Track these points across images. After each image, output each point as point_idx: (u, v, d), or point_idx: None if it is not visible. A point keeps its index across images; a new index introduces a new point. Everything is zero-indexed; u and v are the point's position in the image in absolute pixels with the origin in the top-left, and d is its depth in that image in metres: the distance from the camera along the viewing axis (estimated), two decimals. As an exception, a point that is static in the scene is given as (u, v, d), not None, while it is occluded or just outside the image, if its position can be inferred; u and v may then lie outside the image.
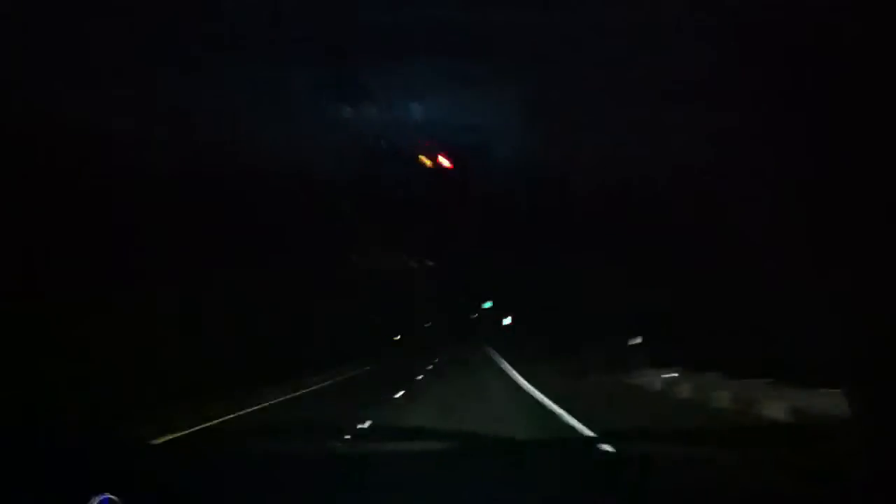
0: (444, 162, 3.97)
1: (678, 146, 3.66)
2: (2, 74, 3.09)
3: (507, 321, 63.40)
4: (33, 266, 10.24)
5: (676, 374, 11.46)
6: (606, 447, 2.32)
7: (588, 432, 7.22)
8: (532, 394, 11.76)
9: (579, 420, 7.68)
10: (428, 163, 3.99)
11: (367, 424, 10.31)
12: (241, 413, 12.91)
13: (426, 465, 2.17)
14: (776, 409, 6.76)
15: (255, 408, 13.56)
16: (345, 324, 32.71)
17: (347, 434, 2.47)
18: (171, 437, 9.92)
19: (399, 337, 44.50)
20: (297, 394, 15.82)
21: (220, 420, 12.20)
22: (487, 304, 67.09)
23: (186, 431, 11.08)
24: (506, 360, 25.15)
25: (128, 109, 3.54)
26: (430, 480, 2.06)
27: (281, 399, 14.45)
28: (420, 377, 16.66)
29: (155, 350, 14.68)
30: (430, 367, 21.54)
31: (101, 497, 2.06)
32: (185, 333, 16.13)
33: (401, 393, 12.22)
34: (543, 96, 3.33)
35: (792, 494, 1.89)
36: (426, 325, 61.93)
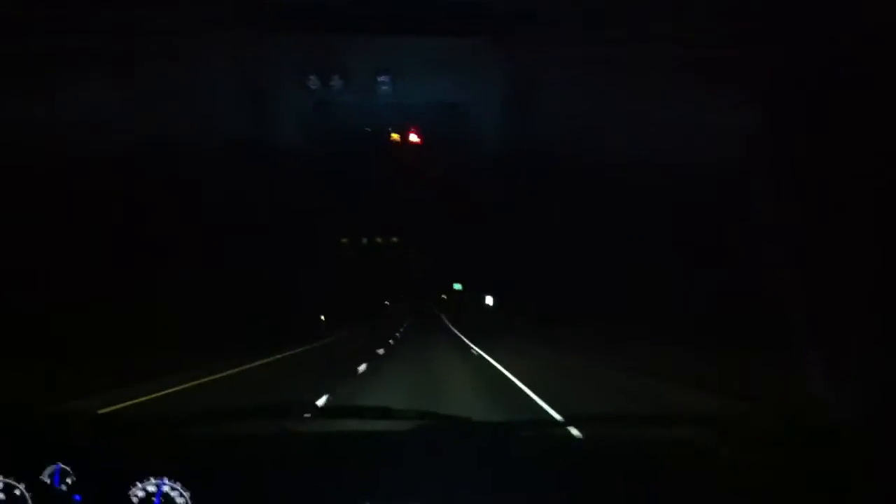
0: (414, 138, 3.93)
1: (666, 128, 3.68)
2: None
3: (488, 300, 63.90)
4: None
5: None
6: (574, 430, 2.35)
7: (556, 416, 7.40)
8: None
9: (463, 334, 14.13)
10: (396, 138, 3.94)
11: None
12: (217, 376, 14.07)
13: (385, 445, 2.17)
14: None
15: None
16: (323, 299, 33.70)
17: (306, 412, 2.47)
18: (121, 406, 9.93)
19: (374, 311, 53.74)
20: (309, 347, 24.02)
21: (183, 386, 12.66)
22: (457, 286, 67.30)
23: (143, 399, 11.20)
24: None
25: (81, 86, 3.44)
26: (390, 461, 2.07)
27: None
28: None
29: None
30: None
31: (55, 467, 2.05)
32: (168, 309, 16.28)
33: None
34: (523, 72, 3.31)
35: (750, 474, 1.93)
36: (390, 304, 63.98)
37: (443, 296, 75.38)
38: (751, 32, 2.69)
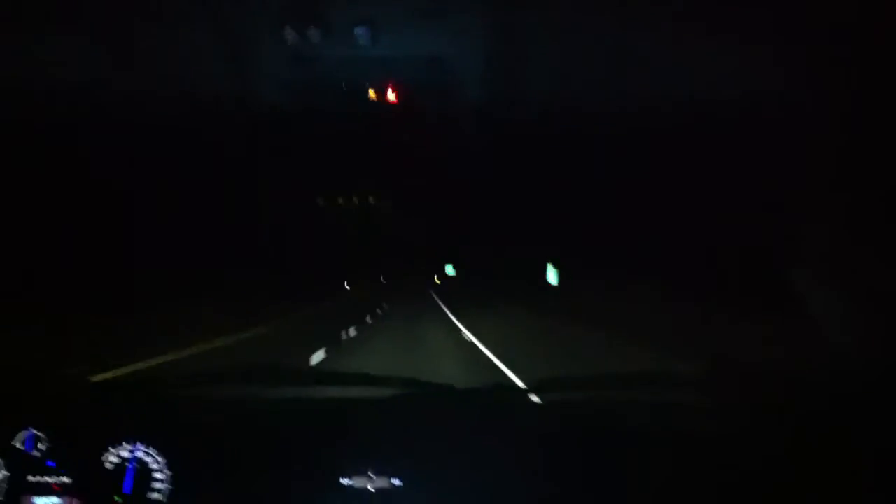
0: (391, 96, 3.82)
1: (659, 87, 3.62)
2: None
3: (450, 271, 63.80)
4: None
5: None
6: (534, 398, 2.36)
7: (521, 384, 7.52)
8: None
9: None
10: (374, 95, 3.84)
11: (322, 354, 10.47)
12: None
13: (364, 411, 2.16)
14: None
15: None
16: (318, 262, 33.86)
17: (289, 377, 2.43)
18: (114, 373, 9.89)
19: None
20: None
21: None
22: (450, 271, 66.91)
23: (139, 366, 11.18)
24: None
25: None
26: (371, 427, 2.05)
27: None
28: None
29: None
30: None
31: (27, 432, 2.00)
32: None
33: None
34: (507, 28, 3.22)
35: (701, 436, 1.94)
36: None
37: (437, 279, 74.59)
38: None
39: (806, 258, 2.91)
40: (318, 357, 11.73)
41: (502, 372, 10.83)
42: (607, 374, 2.38)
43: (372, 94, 3.92)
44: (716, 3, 2.82)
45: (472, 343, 15.41)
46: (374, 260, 60.46)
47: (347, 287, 53.07)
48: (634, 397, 2.20)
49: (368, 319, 22.77)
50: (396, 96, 3.90)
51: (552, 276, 25.44)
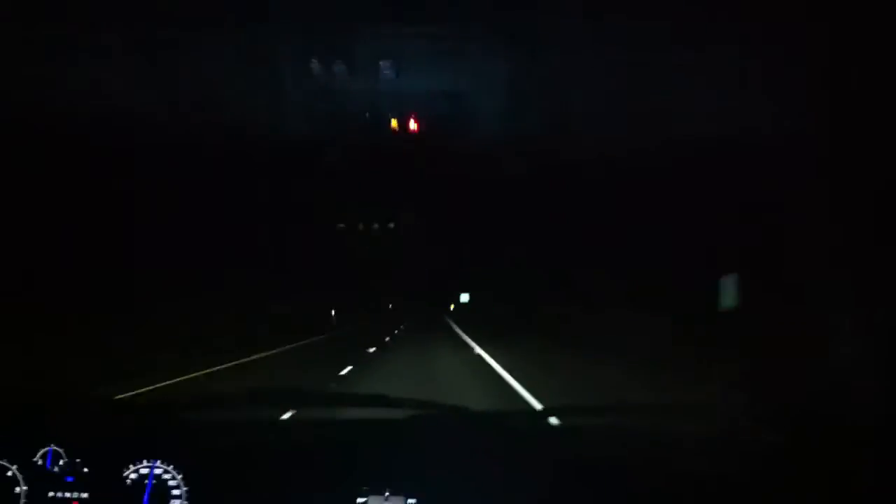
0: (413, 125, 3.91)
1: (669, 123, 3.66)
2: None
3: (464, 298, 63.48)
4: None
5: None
6: (553, 420, 2.37)
7: (538, 406, 7.50)
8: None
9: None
10: (395, 125, 3.92)
11: (346, 370, 10.44)
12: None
13: (380, 433, 2.18)
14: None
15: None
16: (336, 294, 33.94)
17: (306, 399, 2.46)
18: (146, 389, 9.96)
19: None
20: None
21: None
22: (464, 297, 66.31)
23: (169, 382, 11.25)
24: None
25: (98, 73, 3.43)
26: (387, 448, 2.07)
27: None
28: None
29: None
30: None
31: (47, 449, 2.04)
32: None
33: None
34: (525, 65, 3.29)
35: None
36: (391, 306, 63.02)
37: (451, 306, 73.71)
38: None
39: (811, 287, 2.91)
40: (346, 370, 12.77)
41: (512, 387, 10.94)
42: (624, 403, 2.39)
43: (394, 124, 4.01)
44: (727, 37, 2.87)
45: (480, 356, 16.29)
46: (389, 287, 60.33)
47: (366, 311, 53.07)
48: (649, 426, 2.20)
49: (387, 339, 23.95)
50: (418, 127, 3.98)
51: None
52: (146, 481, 1.98)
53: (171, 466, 1.98)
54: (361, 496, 1.88)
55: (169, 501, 1.95)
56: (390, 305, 69.00)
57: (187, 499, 1.94)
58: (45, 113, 3.98)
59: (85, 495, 1.98)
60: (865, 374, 2.63)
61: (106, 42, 3.02)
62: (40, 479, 2.00)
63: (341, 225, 21.62)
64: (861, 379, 2.62)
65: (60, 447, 2.03)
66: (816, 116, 2.92)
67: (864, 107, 2.75)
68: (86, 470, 2.03)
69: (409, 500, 1.87)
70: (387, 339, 24.30)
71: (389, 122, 4.06)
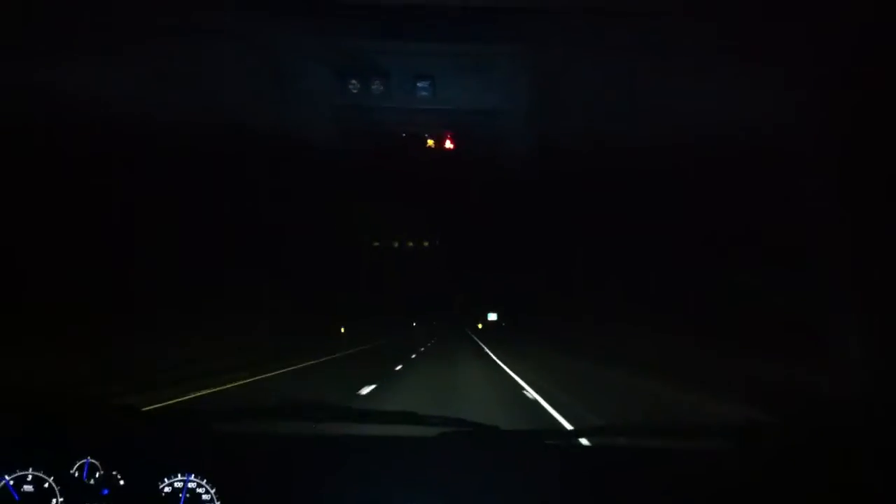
0: (448, 144, 3.92)
1: (708, 132, 3.64)
2: None
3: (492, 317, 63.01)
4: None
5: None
6: (584, 441, 2.33)
7: (568, 426, 7.43)
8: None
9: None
10: (432, 143, 3.94)
11: (369, 389, 10.64)
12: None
13: (410, 449, 2.17)
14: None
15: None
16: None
17: (334, 414, 2.46)
18: (171, 402, 10.12)
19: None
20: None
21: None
22: (492, 316, 66.19)
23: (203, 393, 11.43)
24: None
25: (123, 82, 3.49)
26: (413, 465, 2.06)
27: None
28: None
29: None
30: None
31: (84, 461, 2.07)
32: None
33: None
34: (559, 80, 3.29)
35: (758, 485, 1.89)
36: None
37: (478, 324, 73.48)
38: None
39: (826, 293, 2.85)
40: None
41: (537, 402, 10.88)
42: (654, 423, 2.36)
43: (430, 142, 4.03)
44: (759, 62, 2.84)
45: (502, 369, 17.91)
46: (419, 304, 60.36)
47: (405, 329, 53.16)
48: (679, 446, 2.17)
49: (413, 356, 23.45)
50: (454, 145, 4.00)
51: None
52: (180, 494, 1.99)
53: (205, 480, 1.99)
54: None
55: None
56: (414, 324, 68.65)
57: None
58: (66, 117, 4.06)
59: None
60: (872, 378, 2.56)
61: (123, 42, 3.06)
62: (76, 492, 2.02)
63: (376, 243, 21.82)
64: (869, 383, 2.56)
65: (96, 460, 2.05)
66: (829, 118, 2.89)
67: (874, 107, 2.70)
68: (122, 483, 2.05)
69: None
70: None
71: (426, 141, 4.08)
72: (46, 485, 2.02)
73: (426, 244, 22.07)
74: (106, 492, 2.03)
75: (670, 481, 1.96)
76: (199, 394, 12.05)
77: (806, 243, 3.28)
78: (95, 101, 3.67)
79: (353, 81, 2.99)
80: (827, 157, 2.90)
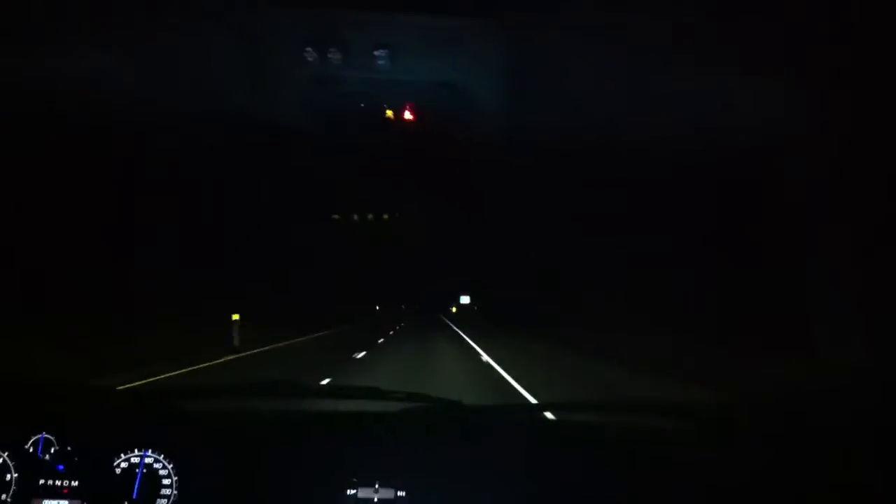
0: (408, 115, 3.89)
1: (670, 107, 3.65)
2: None
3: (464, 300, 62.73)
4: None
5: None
6: (548, 415, 2.36)
7: (533, 400, 7.58)
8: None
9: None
10: (391, 115, 3.91)
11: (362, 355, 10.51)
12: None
13: (372, 424, 2.17)
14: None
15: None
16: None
17: (300, 392, 2.45)
18: (143, 382, 9.99)
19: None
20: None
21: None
22: (464, 299, 65.82)
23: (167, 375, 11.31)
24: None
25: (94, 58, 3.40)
26: (379, 440, 2.07)
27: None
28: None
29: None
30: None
31: (39, 437, 2.03)
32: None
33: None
34: (522, 52, 3.28)
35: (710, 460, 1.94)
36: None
37: (452, 308, 72.59)
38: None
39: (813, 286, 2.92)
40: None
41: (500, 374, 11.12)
42: (619, 399, 2.40)
43: (389, 113, 3.99)
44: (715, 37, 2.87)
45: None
46: (388, 285, 59.90)
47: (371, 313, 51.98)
48: (645, 423, 2.20)
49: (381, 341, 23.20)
50: (414, 117, 3.96)
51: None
52: (137, 470, 1.97)
53: (163, 455, 1.97)
54: (352, 488, 1.88)
55: (159, 490, 1.95)
56: (377, 307, 67.08)
57: (177, 488, 1.94)
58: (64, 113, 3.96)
59: (75, 483, 1.98)
60: (868, 374, 2.63)
61: (102, 34, 2.98)
62: (31, 467, 1.99)
63: (335, 216, 21.42)
64: (863, 378, 2.62)
65: (52, 435, 2.02)
66: (830, 117, 2.93)
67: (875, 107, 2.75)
68: (76, 458, 2.02)
69: (400, 493, 1.86)
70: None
71: (384, 111, 4.04)
72: (1, 460, 1.98)
73: (386, 217, 21.81)
74: (61, 467, 1.99)
75: (635, 456, 1.99)
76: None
77: (805, 244, 3.32)
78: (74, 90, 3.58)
79: (309, 49, 2.94)
80: (826, 158, 2.93)
